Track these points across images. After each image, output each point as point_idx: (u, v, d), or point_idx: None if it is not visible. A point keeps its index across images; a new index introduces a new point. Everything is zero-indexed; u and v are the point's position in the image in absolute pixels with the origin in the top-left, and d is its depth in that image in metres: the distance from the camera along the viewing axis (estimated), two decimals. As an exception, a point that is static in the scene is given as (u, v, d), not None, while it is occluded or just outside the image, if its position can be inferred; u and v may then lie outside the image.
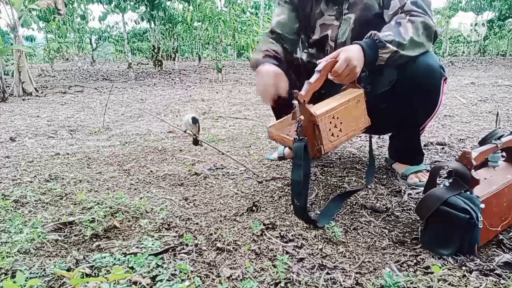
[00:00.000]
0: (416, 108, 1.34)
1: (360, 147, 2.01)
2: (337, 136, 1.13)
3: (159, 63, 9.60)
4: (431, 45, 1.22)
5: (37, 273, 0.88)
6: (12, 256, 0.94)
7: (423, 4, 1.22)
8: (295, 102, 1.07)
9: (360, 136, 2.19)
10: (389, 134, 1.59)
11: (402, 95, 1.30)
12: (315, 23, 1.40)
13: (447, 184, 0.96)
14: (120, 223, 1.14)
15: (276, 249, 0.98)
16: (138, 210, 1.22)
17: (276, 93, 1.19)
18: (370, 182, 1.29)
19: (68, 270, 0.89)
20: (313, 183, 1.46)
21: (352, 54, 1.07)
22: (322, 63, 1.07)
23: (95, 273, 0.88)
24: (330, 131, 1.11)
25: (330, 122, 1.11)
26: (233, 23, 7.72)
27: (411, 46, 1.16)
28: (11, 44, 6.02)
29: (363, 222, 1.14)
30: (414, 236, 1.04)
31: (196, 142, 1.77)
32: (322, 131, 1.07)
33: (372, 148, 1.35)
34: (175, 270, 0.88)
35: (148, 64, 12.40)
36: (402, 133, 1.48)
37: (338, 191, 1.37)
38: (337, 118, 1.12)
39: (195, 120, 1.60)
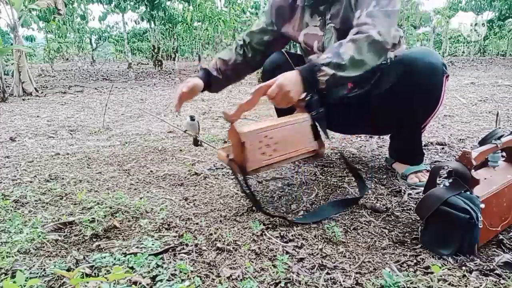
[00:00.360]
0: (416, 108, 1.34)
1: (360, 147, 2.01)
2: (270, 155, 1.13)
3: (159, 63, 9.60)
4: (379, 59, 1.17)
5: (37, 273, 0.88)
6: (12, 256, 0.94)
7: (380, 14, 1.15)
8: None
9: (360, 136, 2.19)
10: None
11: (403, 94, 1.30)
12: (300, 32, 1.42)
13: (447, 184, 0.96)
14: (120, 223, 1.14)
15: (276, 249, 0.98)
16: (138, 210, 1.22)
17: (177, 96, 1.36)
18: (364, 193, 1.30)
19: (68, 270, 0.89)
20: (313, 183, 1.46)
21: (286, 80, 1.09)
22: (256, 86, 1.10)
23: (95, 273, 0.88)
24: (261, 149, 1.11)
25: (261, 141, 1.11)
26: (233, 23, 7.73)
27: (352, 66, 1.12)
28: (11, 44, 6.02)
29: (363, 222, 1.14)
30: (414, 236, 1.04)
31: (196, 142, 1.77)
32: (247, 150, 1.08)
33: (350, 164, 1.36)
34: (175, 270, 0.88)
35: (148, 64, 12.40)
36: (403, 133, 1.47)
37: (338, 191, 1.38)
38: (271, 138, 1.12)
39: (194, 119, 1.62)
